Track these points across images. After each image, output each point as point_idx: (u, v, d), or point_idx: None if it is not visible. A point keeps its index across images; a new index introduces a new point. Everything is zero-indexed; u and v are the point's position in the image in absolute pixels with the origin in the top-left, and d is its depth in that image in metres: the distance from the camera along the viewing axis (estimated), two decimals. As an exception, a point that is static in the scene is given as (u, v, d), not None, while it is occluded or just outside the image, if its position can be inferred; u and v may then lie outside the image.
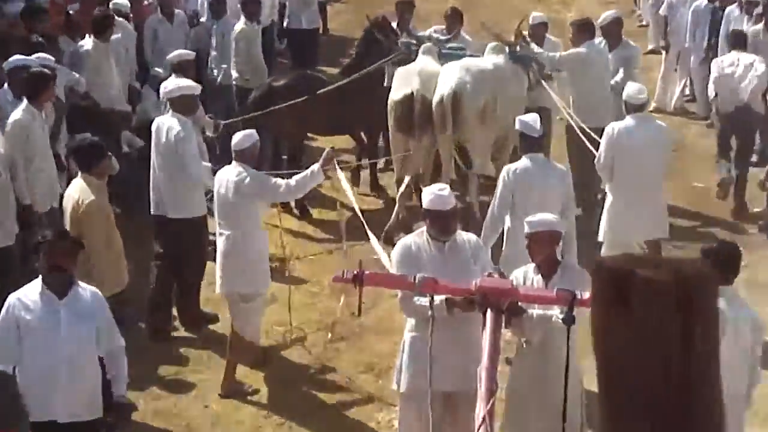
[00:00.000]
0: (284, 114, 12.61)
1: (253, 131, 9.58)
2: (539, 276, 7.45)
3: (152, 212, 10.43)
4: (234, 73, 14.16)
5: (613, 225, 10.65)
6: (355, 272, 6.65)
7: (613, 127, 10.75)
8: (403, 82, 12.15)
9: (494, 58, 12.11)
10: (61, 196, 9.50)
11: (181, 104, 10.34)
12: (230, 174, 9.31)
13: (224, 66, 14.36)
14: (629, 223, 10.56)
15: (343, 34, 19.81)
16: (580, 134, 11.40)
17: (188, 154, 10.10)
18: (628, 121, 10.76)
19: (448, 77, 11.83)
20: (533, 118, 9.69)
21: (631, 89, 10.92)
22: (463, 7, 14.22)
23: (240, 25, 14.18)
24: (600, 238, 10.64)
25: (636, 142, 10.55)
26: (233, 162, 9.36)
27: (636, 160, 10.51)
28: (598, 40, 12.96)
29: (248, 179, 9.23)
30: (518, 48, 12.18)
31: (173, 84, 10.55)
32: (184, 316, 10.66)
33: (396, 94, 12.12)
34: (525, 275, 7.50)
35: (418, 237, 7.57)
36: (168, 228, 10.31)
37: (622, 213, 10.59)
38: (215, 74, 14.44)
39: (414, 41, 12.87)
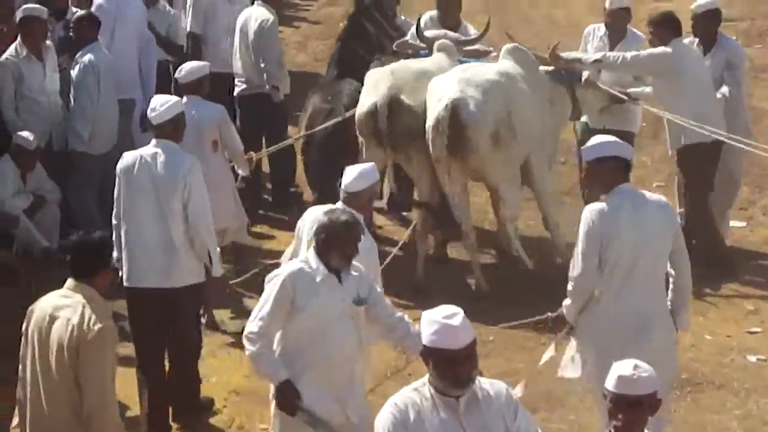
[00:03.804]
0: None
1: None
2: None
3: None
4: None
5: None
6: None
7: None
8: (371, 87, 9.90)
9: (506, 63, 9.84)
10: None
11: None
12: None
13: None
14: None
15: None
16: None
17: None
18: None
19: (442, 90, 9.49)
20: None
21: None
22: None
23: None
24: None
25: None
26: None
27: None
28: (688, 39, 10.18)
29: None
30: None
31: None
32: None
33: (361, 105, 9.92)
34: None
35: (416, 394, 5.18)
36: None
37: None
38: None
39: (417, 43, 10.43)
